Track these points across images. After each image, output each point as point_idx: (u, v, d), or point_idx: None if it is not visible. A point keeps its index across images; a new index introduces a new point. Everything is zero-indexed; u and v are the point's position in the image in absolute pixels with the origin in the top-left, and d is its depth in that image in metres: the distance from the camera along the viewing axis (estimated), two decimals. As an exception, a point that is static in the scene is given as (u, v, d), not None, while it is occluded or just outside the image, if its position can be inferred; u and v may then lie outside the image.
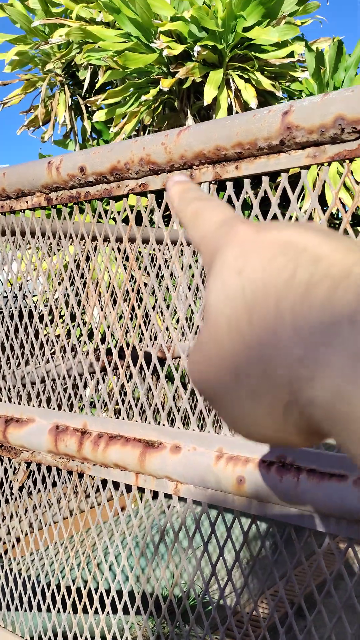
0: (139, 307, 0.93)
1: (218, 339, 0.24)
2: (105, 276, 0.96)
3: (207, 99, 3.34)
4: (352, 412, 0.19)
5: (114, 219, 1.27)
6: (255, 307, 0.22)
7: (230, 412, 0.25)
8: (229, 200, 0.82)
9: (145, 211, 0.91)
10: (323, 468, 0.71)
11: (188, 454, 0.84)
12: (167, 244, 0.88)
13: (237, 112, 3.60)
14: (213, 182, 0.81)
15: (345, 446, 0.21)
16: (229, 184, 0.81)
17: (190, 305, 0.92)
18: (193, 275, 0.94)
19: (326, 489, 0.70)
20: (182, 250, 1.64)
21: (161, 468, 0.86)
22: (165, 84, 3.38)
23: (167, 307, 0.87)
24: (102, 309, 0.98)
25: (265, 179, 0.78)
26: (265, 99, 3.71)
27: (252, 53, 3.58)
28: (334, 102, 0.66)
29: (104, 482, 0.99)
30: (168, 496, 0.89)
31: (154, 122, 3.92)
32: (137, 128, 3.90)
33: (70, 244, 1.05)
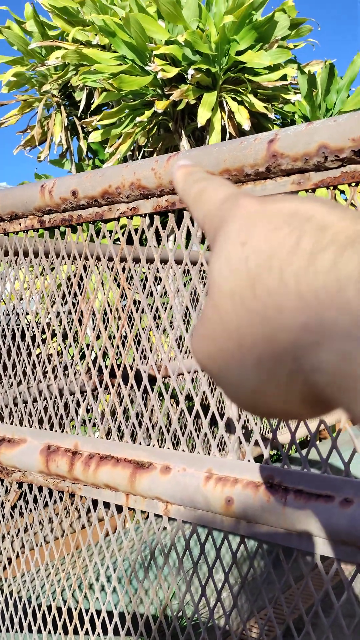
0: (130, 326, 0.94)
1: (222, 311, 0.24)
2: (97, 295, 0.97)
3: (200, 121, 3.38)
4: (357, 373, 0.20)
5: (117, 239, 1.29)
6: (259, 277, 0.22)
7: (235, 385, 0.25)
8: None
9: (136, 233, 0.93)
10: (310, 489, 0.72)
11: (178, 475, 0.84)
12: (160, 264, 0.89)
13: (230, 134, 3.65)
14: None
15: (350, 409, 0.21)
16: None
17: (179, 326, 0.93)
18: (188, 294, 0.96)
19: (313, 510, 0.70)
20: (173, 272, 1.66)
21: (151, 489, 0.87)
22: (160, 105, 3.43)
23: (157, 326, 0.89)
24: (93, 329, 1.00)
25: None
26: (258, 120, 3.77)
27: (245, 76, 3.64)
28: (317, 131, 0.68)
29: (95, 502, 1.00)
30: (159, 516, 0.90)
31: (149, 143, 3.97)
32: (132, 148, 3.95)
33: (63, 264, 1.06)
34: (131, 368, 0.94)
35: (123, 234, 0.94)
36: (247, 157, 0.75)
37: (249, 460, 0.80)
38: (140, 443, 0.92)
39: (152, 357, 0.89)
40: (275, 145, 0.73)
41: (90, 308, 1.00)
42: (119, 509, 0.96)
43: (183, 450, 0.87)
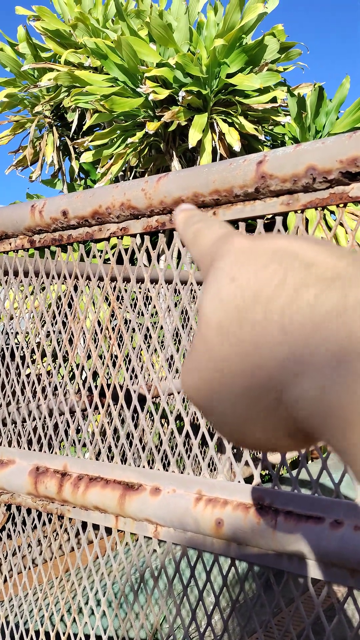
0: (120, 346, 0.94)
1: (209, 344, 0.24)
2: (87, 315, 0.97)
3: (191, 142, 3.41)
4: (337, 405, 0.20)
5: (107, 259, 1.29)
6: (246, 311, 0.23)
7: (220, 416, 0.25)
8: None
9: (126, 253, 0.93)
10: (300, 510, 0.71)
11: (167, 496, 0.84)
12: (150, 283, 0.89)
13: (221, 155, 3.69)
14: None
15: (330, 441, 0.21)
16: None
17: (169, 345, 0.93)
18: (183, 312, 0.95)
19: (303, 532, 0.70)
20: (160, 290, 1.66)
21: (141, 510, 0.86)
22: (151, 127, 3.46)
23: (148, 346, 0.89)
24: (84, 349, 0.99)
25: (241, 225, 0.80)
26: (249, 142, 3.81)
27: (236, 98, 3.69)
28: (305, 153, 0.69)
29: (85, 524, 0.99)
30: (149, 539, 0.89)
31: (140, 164, 3.99)
32: (123, 169, 3.97)
33: (53, 284, 1.06)
34: (121, 388, 0.93)
35: (113, 254, 0.94)
36: (237, 178, 0.76)
37: (239, 481, 0.79)
38: (130, 464, 0.91)
39: (142, 377, 0.89)
40: (264, 167, 0.73)
41: (80, 328, 1.00)
42: (109, 531, 0.95)
43: (173, 471, 0.86)
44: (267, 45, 3.81)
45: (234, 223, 0.81)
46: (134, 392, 0.90)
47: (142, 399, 0.90)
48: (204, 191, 0.79)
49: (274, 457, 2.83)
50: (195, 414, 0.86)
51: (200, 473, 0.85)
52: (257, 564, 0.77)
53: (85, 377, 0.97)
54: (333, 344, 0.20)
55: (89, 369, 0.97)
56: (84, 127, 4.15)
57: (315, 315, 0.21)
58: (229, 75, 3.64)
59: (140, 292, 1.01)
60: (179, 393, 0.87)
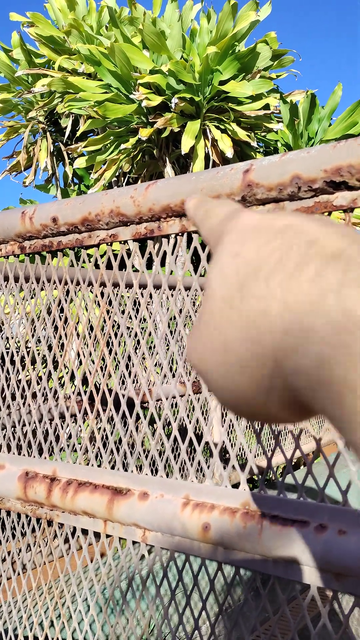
0: (109, 351, 0.95)
1: (212, 317, 0.25)
2: (78, 320, 0.98)
3: (184, 148, 3.43)
4: (333, 375, 0.21)
5: (96, 265, 1.30)
6: (247, 285, 0.24)
7: (221, 386, 0.26)
8: (195, 252, 0.85)
9: (115, 259, 0.94)
10: (286, 514, 0.72)
11: (155, 501, 0.84)
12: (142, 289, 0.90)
13: (214, 161, 3.71)
14: (180, 234, 0.84)
15: (325, 412, 0.22)
16: (195, 236, 0.84)
17: (158, 352, 0.94)
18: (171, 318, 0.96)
19: (288, 536, 0.71)
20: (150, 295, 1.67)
21: (129, 515, 0.87)
22: (144, 133, 3.47)
23: (136, 351, 0.89)
24: (74, 355, 1.00)
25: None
26: (242, 148, 3.83)
27: (229, 105, 3.71)
28: (291, 162, 0.70)
29: (74, 530, 0.99)
30: (138, 543, 0.89)
31: (133, 170, 4.01)
32: (117, 175, 3.98)
33: (44, 289, 1.06)
34: (109, 392, 0.94)
35: (102, 258, 0.95)
36: (224, 187, 0.77)
37: (226, 486, 0.80)
38: (119, 469, 0.92)
39: (130, 383, 0.89)
40: (251, 175, 0.74)
41: (70, 334, 1.00)
42: (98, 536, 0.95)
43: (161, 476, 0.87)
44: (260, 52, 3.83)
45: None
46: (123, 396, 0.91)
47: (130, 405, 0.90)
48: (191, 199, 0.80)
49: (264, 463, 2.84)
50: (182, 419, 0.87)
51: (191, 476, 0.86)
52: (243, 568, 0.77)
53: (74, 382, 0.97)
54: (330, 319, 0.21)
55: (79, 373, 0.98)
56: (78, 133, 4.16)
57: (315, 290, 0.22)
58: (222, 83, 3.66)
59: (129, 297, 1.02)
60: (167, 399, 0.88)
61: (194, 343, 0.27)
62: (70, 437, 0.97)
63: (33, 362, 1.02)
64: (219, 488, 0.79)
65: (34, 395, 1.04)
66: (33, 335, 1.06)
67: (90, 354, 0.90)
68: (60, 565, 1.00)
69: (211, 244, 0.29)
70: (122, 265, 3.69)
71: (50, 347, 0.97)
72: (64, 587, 0.99)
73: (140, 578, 0.85)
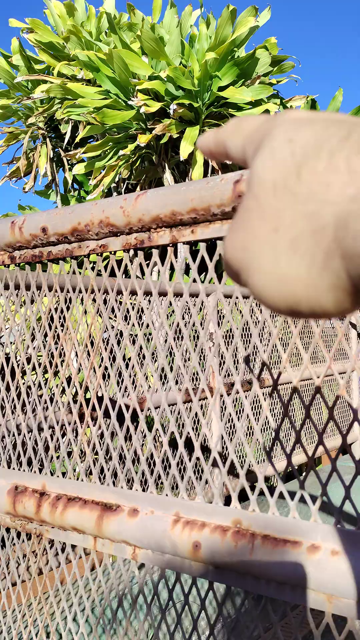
0: (99, 365, 0.93)
1: (261, 199, 0.25)
2: (76, 329, 0.96)
3: (183, 155, 3.42)
4: None
5: (99, 273, 1.28)
6: (306, 163, 0.23)
7: (267, 272, 0.25)
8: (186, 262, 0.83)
9: (118, 266, 0.92)
10: (278, 534, 0.70)
11: (145, 518, 0.82)
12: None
13: (213, 167, 3.69)
14: (170, 245, 0.83)
15: None
16: (185, 247, 0.82)
17: (148, 364, 0.92)
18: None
19: (280, 556, 0.69)
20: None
21: (119, 532, 0.85)
22: (143, 139, 3.46)
23: (127, 365, 0.88)
24: (64, 365, 0.98)
25: (220, 244, 0.79)
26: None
27: (228, 111, 3.70)
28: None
29: (64, 545, 0.97)
30: (129, 559, 0.87)
31: (132, 176, 4.00)
32: (116, 181, 3.97)
33: (32, 301, 1.05)
34: (100, 404, 0.92)
35: (93, 268, 0.93)
36: (214, 197, 0.75)
37: (217, 503, 0.78)
38: (109, 484, 0.90)
39: (120, 396, 0.87)
40: (241, 186, 0.73)
41: (60, 345, 0.99)
42: (88, 551, 0.93)
43: (151, 492, 0.85)
44: (259, 58, 3.83)
45: (212, 242, 0.80)
46: (113, 410, 0.89)
47: (121, 420, 0.89)
48: (181, 209, 0.78)
49: (252, 477, 2.81)
50: (172, 434, 0.85)
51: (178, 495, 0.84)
52: (235, 587, 0.75)
53: (65, 394, 0.96)
54: None
55: (71, 386, 0.96)
56: (76, 140, 4.15)
57: None
58: (221, 88, 3.66)
59: (120, 304, 1.01)
60: (156, 409, 0.86)
61: (235, 237, 0.26)
62: (58, 448, 0.96)
63: (23, 373, 1.00)
64: (210, 505, 0.78)
65: (24, 407, 1.02)
66: (23, 345, 1.04)
67: (80, 367, 0.89)
68: (50, 580, 0.98)
69: (249, 147, 0.29)
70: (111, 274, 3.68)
71: (39, 359, 0.96)
72: (54, 602, 0.97)
73: (131, 596, 0.83)
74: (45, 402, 0.99)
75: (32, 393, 1.00)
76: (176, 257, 3.79)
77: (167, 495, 0.83)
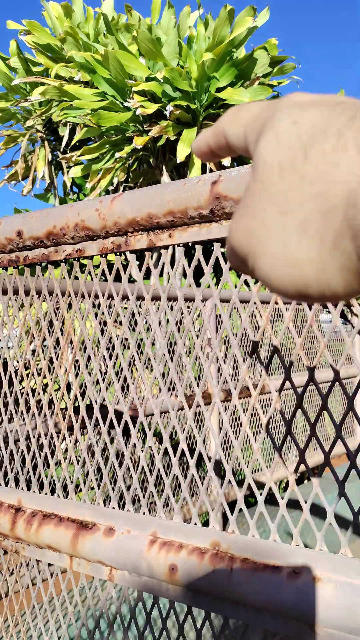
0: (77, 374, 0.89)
1: (266, 183, 0.24)
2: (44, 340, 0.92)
3: (180, 157, 3.38)
4: None
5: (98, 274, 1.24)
6: (313, 144, 0.23)
7: (272, 255, 0.24)
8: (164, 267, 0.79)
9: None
10: (257, 558, 0.66)
11: (121, 538, 0.78)
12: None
13: (211, 169, 3.65)
14: (147, 249, 0.79)
15: None
16: (164, 252, 0.78)
17: (123, 376, 0.88)
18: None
19: (259, 581, 0.64)
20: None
21: (94, 552, 0.81)
22: (139, 141, 3.42)
23: (103, 378, 0.84)
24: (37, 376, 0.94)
25: (198, 248, 0.75)
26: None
27: (226, 112, 3.65)
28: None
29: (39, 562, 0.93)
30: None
31: (129, 179, 3.96)
32: (115, 183, 3.93)
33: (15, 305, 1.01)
34: (77, 415, 0.88)
35: (69, 272, 0.89)
36: (191, 199, 0.71)
37: (195, 524, 0.74)
38: (85, 500, 0.86)
39: (97, 408, 0.83)
40: (219, 187, 0.68)
41: (36, 357, 0.95)
42: (65, 569, 0.89)
43: (128, 510, 0.81)
44: (257, 59, 3.78)
45: (191, 246, 0.76)
46: (93, 423, 0.85)
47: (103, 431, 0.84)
48: (158, 212, 0.74)
49: (233, 493, 2.77)
50: (151, 449, 0.81)
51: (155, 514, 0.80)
52: (213, 613, 0.71)
53: (42, 406, 0.92)
54: None
55: (46, 396, 0.92)
56: (72, 142, 4.12)
57: None
58: (219, 90, 3.61)
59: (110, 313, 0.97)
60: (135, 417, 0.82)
61: (240, 222, 0.26)
62: (35, 468, 0.92)
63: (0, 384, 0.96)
64: (188, 526, 0.73)
65: (1, 422, 0.98)
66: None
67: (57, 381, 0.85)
68: (27, 599, 0.94)
69: (251, 133, 0.28)
70: (118, 277, 3.64)
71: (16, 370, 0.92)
72: (30, 622, 0.93)
73: (108, 619, 0.79)
74: (22, 414, 0.95)
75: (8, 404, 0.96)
76: (173, 259, 3.75)
77: (144, 513, 0.79)
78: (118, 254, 0.83)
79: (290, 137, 0.24)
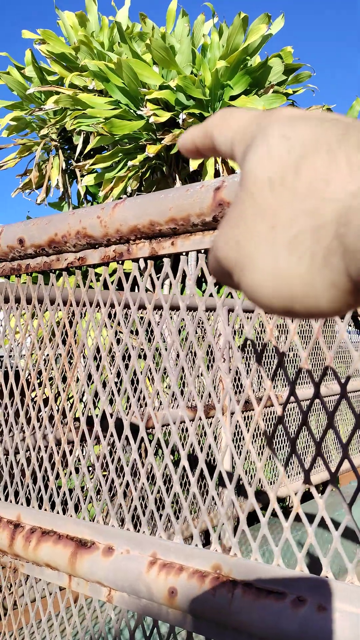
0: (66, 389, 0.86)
1: (256, 197, 0.24)
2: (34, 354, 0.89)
3: (192, 166, 3.36)
4: None
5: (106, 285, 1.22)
6: (304, 160, 0.23)
7: (259, 270, 0.24)
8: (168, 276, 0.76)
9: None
10: (260, 583, 0.62)
11: (120, 558, 0.75)
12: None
13: (224, 177, 3.62)
14: (150, 257, 0.76)
15: None
16: (166, 261, 0.75)
17: (126, 390, 0.85)
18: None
19: (261, 608, 0.61)
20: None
21: (92, 572, 0.78)
22: (152, 150, 3.41)
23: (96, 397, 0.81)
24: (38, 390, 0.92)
25: (202, 257, 0.73)
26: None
27: (240, 120, 3.63)
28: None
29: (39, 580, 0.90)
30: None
31: (142, 187, 3.94)
32: (128, 192, 3.92)
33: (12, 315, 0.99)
34: (77, 431, 0.85)
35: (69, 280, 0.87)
36: (193, 206, 0.68)
37: (196, 545, 0.71)
38: (84, 517, 0.83)
39: (97, 422, 0.80)
40: (222, 194, 0.66)
41: (37, 367, 0.92)
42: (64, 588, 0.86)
43: (128, 529, 0.78)
44: (272, 66, 3.76)
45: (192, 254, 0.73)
46: (94, 439, 0.82)
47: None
48: (159, 219, 0.72)
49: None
50: (151, 464, 0.78)
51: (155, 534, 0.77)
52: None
53: (42, 420, 0.89)
54: None
55: (47, 409, 0.90)
56: (85, 150, 4.11)
57: None
58: (232, 98, 3.60)
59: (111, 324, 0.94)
60: (135, 435, 0.79)
61: (228, 234, 0.26)
62: (35, 481, 0.89)
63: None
64: (189, 547, 0.70)
65: (1, 434, 0.96)
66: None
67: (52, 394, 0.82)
68: (25, 617, 0.91)
69: (240, 143, 0.28)
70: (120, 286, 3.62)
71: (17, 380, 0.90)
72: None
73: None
74: (22, 427, 0.92)
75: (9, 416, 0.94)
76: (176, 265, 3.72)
77: (144, 532, 0.76)
78: (120, 262, 0.81)
79: (281, 151, 0.24)
